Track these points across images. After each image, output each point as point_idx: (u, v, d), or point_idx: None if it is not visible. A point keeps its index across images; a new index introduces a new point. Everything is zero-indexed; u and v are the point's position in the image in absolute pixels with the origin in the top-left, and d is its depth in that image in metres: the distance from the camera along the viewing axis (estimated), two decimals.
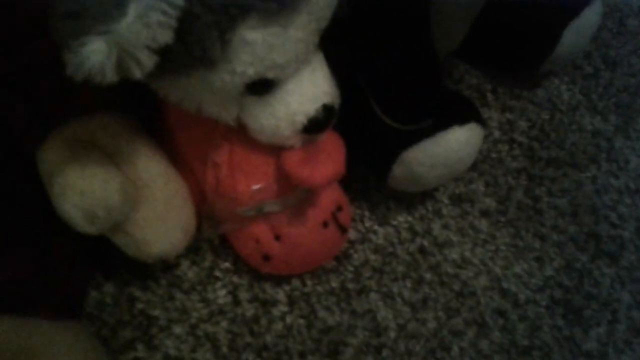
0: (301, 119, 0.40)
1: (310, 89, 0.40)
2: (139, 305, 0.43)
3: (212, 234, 0.45)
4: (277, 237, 0.44)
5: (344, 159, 0.43)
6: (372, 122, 0.45)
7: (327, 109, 0.40)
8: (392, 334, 0.46)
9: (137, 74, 0.31)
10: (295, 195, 0.43)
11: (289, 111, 0.39)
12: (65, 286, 0.39)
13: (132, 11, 0.28)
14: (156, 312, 0.43)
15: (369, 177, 0.52)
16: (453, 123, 0.45)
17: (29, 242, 0.37)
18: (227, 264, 0.46)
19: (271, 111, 0.39)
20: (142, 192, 0.39)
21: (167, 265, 0.45)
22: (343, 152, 0.43)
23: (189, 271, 0.45)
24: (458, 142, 0.45)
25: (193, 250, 0.46)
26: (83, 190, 0.34)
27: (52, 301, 0.37)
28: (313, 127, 0.40)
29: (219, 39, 0.32)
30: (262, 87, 0.38)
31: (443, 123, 0.44)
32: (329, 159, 0.42)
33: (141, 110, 0.43)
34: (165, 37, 0.30)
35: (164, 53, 0.31)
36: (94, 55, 0.28)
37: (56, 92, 0.38)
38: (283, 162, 0.42)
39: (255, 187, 0.43)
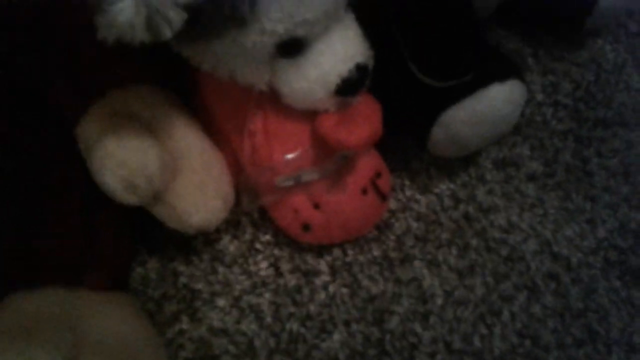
0: (334, 80, 0.39)
1: (342, 49, 0.39)
2: (183, 280, 0.43)
3: (251, 207, 0.45)
4: (316, 206, 0.43)
5: (380, 120, 0.42)
6: (408, 83, 0.44)
7: (360, 68, 0.39)
8: (439, 301, 0.44)
9: (167, 33, 0.30)
10: (333, 162, 0.43)
11: (321, 72, 0.39)
12: (113, 258, 0.39)
13: None
14: (199, 286, 0.43)
15: (408, 145, 0.50)
16: (494, 80, 0.43)
17: (76, 215, 0.37)
18: (267, 237, 0.46)
19: (303, 73, 0.39)
20: (180, 162, 0.39)
21: (208, 240, 0.45)
22: (379, 114, 0.42)
23: (230, 245, 0.45)
24: (500, 98, 0.43)
25: (233, 224, 0.46)
26: (122, 160, 0.34)
27: (99, 272, 0.38)
28: (347, 88, 0.39)
29: None
30: (292, 47, 0.37)
31: (483, 80, 0.43)
32: (365, 121, 0.41)
33: (177, 84, 0.43)
34: None
35: (193, 13, 0.31)
36: (123, 13, 0.28)
37: (95, 66, 0.38)
38: (318, 126, 0.41)
39: (292, 155, 0.42)
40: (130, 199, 0.35)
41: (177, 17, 0.30)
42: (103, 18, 0.29)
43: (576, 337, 0.45)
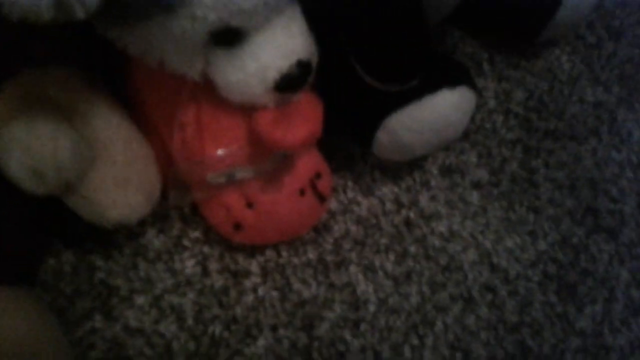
0: (273, 75, 0.37)
1: (283, 43, 0.37)
2: (100, 275, 0.40)
3: (181, 202, 0.43)
4: (250, 205, 0.41)
5: (320, 120, 0.40)
6: (353, 84, 0.42)
7: (302, 65, 0.37)
8: (372, 308, 0.43)
9: (80, 13, 0.28)
10: (269, 161, 0.41)
11: (260, 66, 0.36)
12: (18, 252, 0.36)
13: None
14: (118, 282, 0.40)
15: (353, 145, 0.49)
16: (442, 85, 0.41)
17: None
18: (196, 234, 0.43)
19: (240, 65, 0.36)
20: (99, 152, 0.36)
21: (131, 234, 0.42)
22: (320, 113, 0.40)
23: (155, 240, 0.42)
24: (447, 106, 0.42)
25: (160, 218, 0.43)
26: (30, 147, 0.32)
27: (3, 267, 0.35)
28: (286, 84, 0.37)
29: None
30: (228, 37, 0.35)
31: (431, 85, 0.41)
32: (303, 121, 0.39)
33: (104, 67, 0.40)
34: None
35: None
36: None
37: (6, 44, 0.35)
38: (254, 123, 0.39)
39: (225, 150, 0.40)
40: (37, 188, 0.32)
41: None
42: None
43: (508, 352, 0.44)
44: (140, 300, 0.40)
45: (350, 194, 0.48)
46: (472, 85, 0.44)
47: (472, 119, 0.46)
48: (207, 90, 0.39)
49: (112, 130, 0.37)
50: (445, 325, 0.44)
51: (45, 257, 0.40)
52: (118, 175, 0.36)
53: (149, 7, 0.31)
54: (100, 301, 0.40)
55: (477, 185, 0.50)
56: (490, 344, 0.44)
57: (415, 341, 0.43)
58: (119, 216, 0.36)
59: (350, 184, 0.48)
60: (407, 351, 0.42)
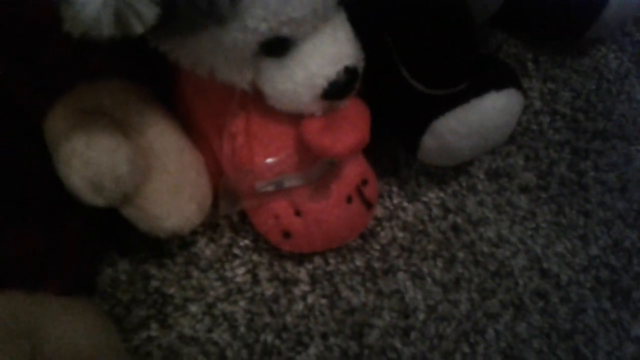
0: (321, 83, 0.37)
1: (330, 50, 0.37)
2: (154, 283, 0.41)
3: (230, 211, 0.43)
4: (298, 213, 0.41)
5: (368, 127, 0.40)
6: (400, 88, 0.42)
7: (349, 71, 0.37)
8: (421, 316, 0.43)
9: (138, 28, 0.28)
10: (317, 169, 0.41)
11: (308, 74, 0.36)
12: (77, 262, 0.37)
13: None
14: (172, 291, 0.41)
15: (398, 151, 0.49)
16: (489, 88, 0.41)
17: (39, 216, 0.36)
18: (246, 242, 0.44)
19: (289, 74, 0.37)
20: (153, 163, 0.37)
21: (183, 243, 0.43)
22: (367, 120, 0.40)
23: (206, 249, 0.43)
24: (495, 109, 0.41)
25: (211, 227, 0.44)
26: (88, 159, 0.32)
27: (62, 277, 0.36)
28: (334, 91, 0.37)
29: None
30: (277, 47, 0.35)
31: (478, 88, 0.41)
32: (352, 127, 0.39)
33: (156, 79, 0.41)
34: None
35: (167, 7, 0.29)
36: (88, 7, 0.26)
37: (63, 59, 0.36)
38: (302, 131, 0.39)
39: (273, 159, 0.40)
40: (96, 200, 0.33)
41: (149, 12, 0.28)
42: (67, 11, 0.27)
43: None
44: (193, 308, 0.41)
45: (395, 200, 0.48)
46: (519, 87, 0.43)
47: (518, 120, 0.46)
48: (255, 100, 0.39)
49: (165, 140, 0.38)
50: (497, 332, 0.43)
51: (103, 267, 0.41)
52: (172, 185, 0.37)
53: (202, 20, 0.31)
54: (155, 309, 0.40)
55: (525, 189, 0.49)
56: (543, 352, 0.43)
57: (467, 349, 0.42)
58: (174, 226, 0.37)
59: (395, 189, 0.48)
60: (458, 359, 0.42)
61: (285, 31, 0.34)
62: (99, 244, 0.40)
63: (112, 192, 0.33)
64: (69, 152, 0.33)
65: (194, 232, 0.42)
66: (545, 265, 0.46)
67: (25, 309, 0.32)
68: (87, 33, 0.27)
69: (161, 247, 0.42)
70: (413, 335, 0.42)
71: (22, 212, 0.35)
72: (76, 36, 0.28)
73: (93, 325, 0.34)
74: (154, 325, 0.40)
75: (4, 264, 0.33)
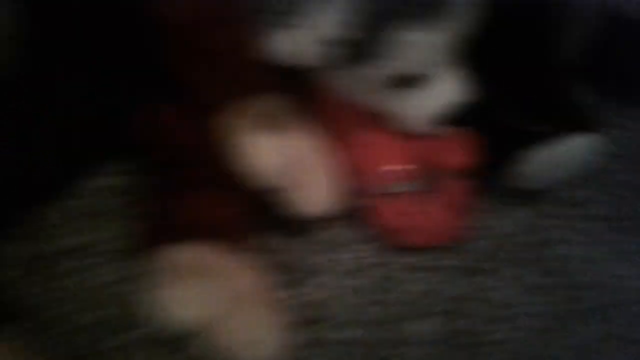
0: (438, 112, 0.47)
1: (448, 86, 0.47)
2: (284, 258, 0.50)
3: (350, 209, 0.53)
4: (405, 214, 0.51)
5: (474, 149, 0.50)
6: (494, 122, 0.51)
7: (460, 105, 0.47)
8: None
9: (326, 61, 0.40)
10: (427, 178, 0.51)
11: (427, 104, 0.47)
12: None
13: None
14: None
15: (492, 172, 0.56)
16: (576, 130, 0.49)
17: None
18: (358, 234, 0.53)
19: (410, 103, 0.47)
20: (303, 159, 0.47)
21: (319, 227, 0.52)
22: (474, 144, 0.50)
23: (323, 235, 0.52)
24: (580, 149, 0.49)
25: (331, 221, 0.52)
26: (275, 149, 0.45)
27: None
28: (449, 120, 0.48)
29: (383, 38, 0.41)
30: (403, 80, 0.45)
31: (567, 128, 0.49)
32: (463, 149, 0.50)
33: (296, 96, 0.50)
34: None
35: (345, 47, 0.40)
36: (299, 42, 0.38)
37: (235, 73, 0.46)
38: (424, 145, 0.50)
39: (390, 168, 0.51)
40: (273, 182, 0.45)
41: (336, 51, 0.40)
42: (277, 43, 0.38)
43: None
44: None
45: (487, 215, 0.55)
46: (600, 132, 0.50)
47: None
48: (380, 117, 0.50)
49: (311, 143, 0.48)
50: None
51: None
52: (316, 178, 0.47)
53: (360, 58, 0.43)
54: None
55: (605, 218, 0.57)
56: None
57: None
58: (316, 210, 0.47)
59: (487, 206, 0.56)
60: None
61: (410, 69, 0.45)
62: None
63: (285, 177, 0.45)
64: (259, 142, 0.45)
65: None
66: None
67: None
68: (292, 61, 0.40)
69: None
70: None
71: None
72: (281, 63, 0.40)
73: None
74: None
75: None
